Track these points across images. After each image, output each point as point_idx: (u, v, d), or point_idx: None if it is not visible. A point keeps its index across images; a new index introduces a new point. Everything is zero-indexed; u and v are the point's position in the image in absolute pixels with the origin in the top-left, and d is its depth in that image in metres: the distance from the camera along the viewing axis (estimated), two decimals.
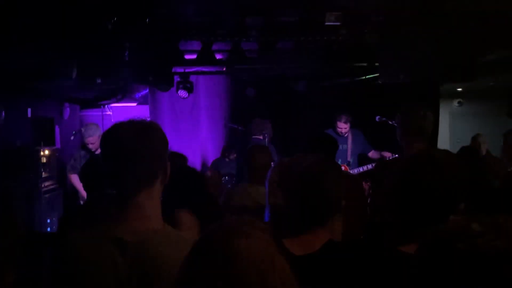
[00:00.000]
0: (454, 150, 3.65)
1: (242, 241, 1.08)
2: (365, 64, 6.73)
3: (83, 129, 5.54)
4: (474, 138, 6.14)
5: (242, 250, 1.07)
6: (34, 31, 4.44)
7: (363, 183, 4.16)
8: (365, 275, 1.67)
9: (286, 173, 2.49)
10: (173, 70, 6.21)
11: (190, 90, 6.74)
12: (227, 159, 7.28)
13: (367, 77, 6.96)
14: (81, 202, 5.37)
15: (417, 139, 2.90)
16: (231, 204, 3.49)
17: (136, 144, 1.45)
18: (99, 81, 5.00)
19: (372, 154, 6.19)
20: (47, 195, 5.63)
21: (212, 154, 7.88)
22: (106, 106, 7.19)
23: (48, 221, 5.59)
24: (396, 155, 5.60)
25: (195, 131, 7.94)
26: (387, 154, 5.78)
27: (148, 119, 7.75)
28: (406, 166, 1.75)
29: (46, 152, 5.77)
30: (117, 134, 1.49)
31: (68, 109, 6.72)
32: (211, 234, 1.13)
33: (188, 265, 1.12)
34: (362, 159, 6.22)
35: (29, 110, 5.81)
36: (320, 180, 1.89)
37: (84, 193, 5.11)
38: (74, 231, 1.60)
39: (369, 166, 5.84)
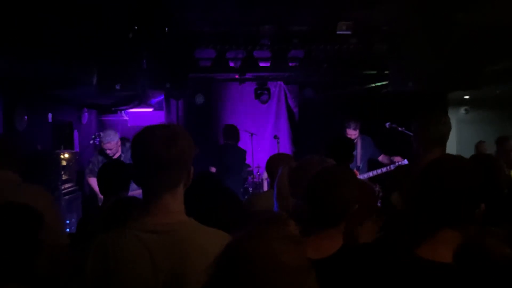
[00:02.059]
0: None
1: (277, 250, 1.09)
2: (374, 72, 6.87)
3: (102, 135, 5.72)
4: (478, 145, 6.25)
5: (278, 260, 1.08)
6: (55, 41, 4.63)
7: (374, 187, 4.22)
8: (384, 281, 1.69)
9: (298, 176, 2.60)
10: (189, 77, 6.40)
11: (204, 97, 6.93)
12: None
13: (376, 84, 7.09)
14: (100, 204, 5.55)
15: (436, 146, 2.87)
16: (253, 209, 3.54)
17: (165, 149, 1.54)
18: (118, 87, 5.19)
19: (382, 158, 6.26)
20: (66, 197, 5.83)
21: None
22: (123, 111, 7.40)
23: (68, 222, 5.78)
24: (405, 160, 5.73)
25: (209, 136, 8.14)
26: (397, 159, 5.86)
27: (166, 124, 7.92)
28: (431, 169, 1.76)
29: (66, 155, 5.97)
30: (147, 138, 1.57)
31: (86, 114, 6.92)
32: (244, 239, 1.13)
33: (219, 269, 1.13)
34: (372, 164, 6.32)
35: (49, 115, 6.02)
36: (332, 182, 1.96)
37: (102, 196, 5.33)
38: (98, 232, 1.68)
39: (379, 171, 5.92)
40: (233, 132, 6.37)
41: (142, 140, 1.59)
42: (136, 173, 1.63)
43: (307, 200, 2.01)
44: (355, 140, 6.26)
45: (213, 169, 5.90)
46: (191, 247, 1.53)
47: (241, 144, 7.04)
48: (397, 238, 2.39)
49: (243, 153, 6.46)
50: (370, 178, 5.89)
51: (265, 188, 7.05)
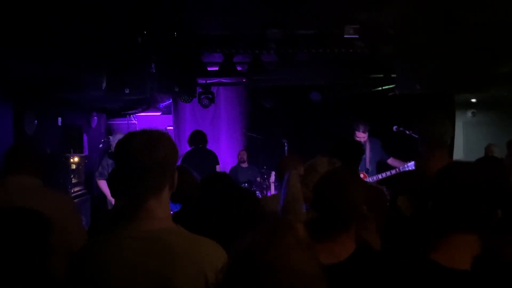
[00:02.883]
0: (468, 159, 3.71)
1: (293, 258, 1.08)
2: (381, 75, 6.88)
3: (111, 139, 5.77)
4: (488, 148, 6.23)
5: (294, 268, 1.08)
6: (65, 44, 4.69)
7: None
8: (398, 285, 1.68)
9: (310, 176, 2.61)
10: (197, 81, 6.45)
11: (211, 100, 6.97)
12: (243, 165, 7.49)
13: (383, 88, 7.10)
14: (109, 207, 5.60)
15: (438, 149, 2.89)
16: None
17: (146, 154, 1.53)
18: (127, 91, 5.24)
19: (392, 161, 6.25)
20: (76, 200, 5.87)
21: (231, 162, 8.09)
22: (131, 115, 7.46)
23: None
24: (412, 163, 5.72)
25: (215, 139, 8.18)
26: (410, 164, 5.83)
27: (171, 128, 8.04)
28: (444, 173, 1.76)
29: (75, 159, 6.03)
30: (129, 144, 1.57)
31: (95, 118, 6.99)
32: (257, 247, 1.12)
33: (231, 272, 1.12)
34: (381, 166, 6.31)
35: (59, 119, 6.08)
36: (340, 185, 1.96)
37: (111, 198, 5.37)
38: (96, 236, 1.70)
39: (388, 173, 5.92)
40: (201, 136, 6.47)
41: (124, 145, 1.60)
42: (120, 178, 1.65)
43: (316, 204, 2.01)
44: (364, 143, 6.26)
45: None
46: (176, 254, 1.52)
47: (248, 148, 7.09)
48: (409, 243, 2.39)
49: (213, 156, 6.54)
50: (379, 181, 5.89)
51: (273, 191, 7.07)
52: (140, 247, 1.52)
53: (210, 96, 6.99)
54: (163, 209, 1.60)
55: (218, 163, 6.81)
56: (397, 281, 1.66)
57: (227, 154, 8.31)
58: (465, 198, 1.65)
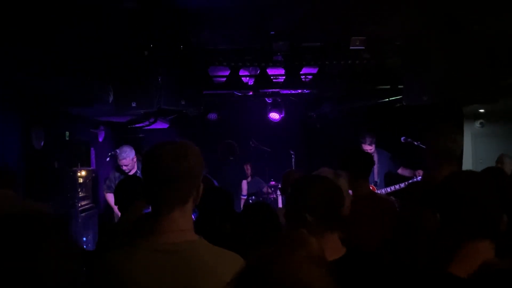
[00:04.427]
0: (477, 170, 3.67)
1: (306, 273, 1.07)
2: (388, 87, 6.86)
3: (118, 151, 5.78)
4: (499, 159, 6.16)
5: (301, 278, 1.06)
6: (73, 58, 4.73)
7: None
8: None
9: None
10: (203, 94, 6.46)
11: (218, 113, 6.98)
12: (249, 179, 7.48)
13: (390, 99, 7.07)
14: (116, 221, 5.58)
15: (446, 161, 2.87)
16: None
17: (175, 166, 1.55)
18: (134, 105, 5.26)
19: (402, 171, 6.21)
20: (83, 214, 5.87)
21: None
22: (139, 129, 7.48)
23: (84, 239, 5.81)
24: (418, 176, 5.67)
25: None
26: (419, 172, 5.79)
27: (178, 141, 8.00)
28: (449, 183, 1.76)
29: (83, 173, 6.04)
30: (158, 154, 1.58)
31: (103, 132, 7.01)
32: (271, 261, 1.11)
33: (241, 285, 1.11)
34: (389, 178, 6.27)
35: (67, 133, 6.10)
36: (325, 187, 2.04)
37: (118, 211, 5.36)
38: (111, 249, 1.66)
39: (397, 187, 5.88)
40: (232, 148, 6.46)
41: (152, 155, 1.60)
42: (146, 188, 1.63)
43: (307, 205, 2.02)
44: (372, 155, 6.23)
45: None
46: (200, 267, 1.51)
47: (255, 160, 7.06)
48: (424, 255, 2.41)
49: (241, 169, 6.52)
50: (388, 194, 5.84)
51: (280, 204, 7.03)
52: (166, 260, 1.51)
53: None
54: (186, 220, 1.60)
55: (245, 178, 6.81)
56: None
57: (237, 165, 8.28)
58: (469, 205, 1.65)
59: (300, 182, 2.12)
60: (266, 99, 7.78)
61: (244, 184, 6.97)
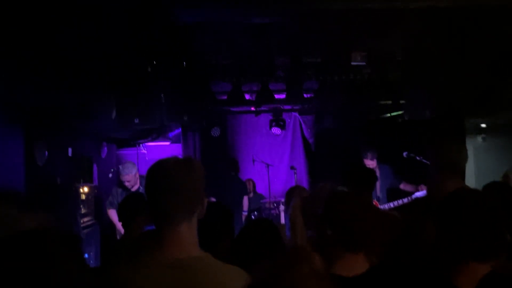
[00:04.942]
0: (480, 184, 3.65)
1: (303, 283, 1.10)
2: (390, 102, 6.88)
3: (120, 167, 5.78)
4: (505, 174, 6.13)
5: None
6: (76, 73, 4.76)
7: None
8: None
9: (311, 206, 2.60)
10: (206, 110, 6.49)
11: (220, 129, 7.00)
12: (251, 194, 7.46)
13: (392, 114, 7.10)
14: (118, 237, 5.56)
15: (451, 174, 2.83)
16: None
17: (179, 179, 1.58)
18: (137, 121, 5.27)
19: (404, 186, 6.18)
20: (85, 231, 5.84)
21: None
22: (141, 145, 7.49)
23: (86, 256, 5.78)
24: (424, 191, 5.65)
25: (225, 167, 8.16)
26: (422, 187, 5.76)
27: (181, 157, 8.02)
28: (451, 203, 1.74)
29: (85, 189, 6.03)
30: (162, 168, 1.62)
31: (105, 148, 7.01)
32: (272, 273, 1.16)
33: None
34: (392, 193, 6.25)
35: (69, 149, 6.10)
36: (357, 208, 2.00)
37: (120, 228, 5.34)
38: (116, 264, 1.69)
39: (399, 202, 5.84)
40: (233, 164, 6.46)
41: (157, 169, 1.63)
42: (151, 201, 1.64)
43: (331, 225, 2.01)
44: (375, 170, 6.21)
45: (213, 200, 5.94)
46: (206, 282, 1.52)
47: (257, 176, 7.06)
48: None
49: (243, 185, 6.51)
50: (391, 210, 5.81)
51: (282, 220, 7.01)
52: (172, 275, 1.51)
53: (219, 124, 7.02)
54: (192, 235, 1.61)
55: (247, 193, 6.81)
56: None
57: (238, 181, 8.27)
58: (474, 226, 1.61)
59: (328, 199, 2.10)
60: (268, 113, 7.81)
61: (245, 200, 6.96)
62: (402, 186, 6.17)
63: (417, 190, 5.87)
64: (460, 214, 1.66)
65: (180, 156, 1.72)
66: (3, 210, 2.55)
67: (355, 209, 1.99)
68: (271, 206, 7.29)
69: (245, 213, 6.89)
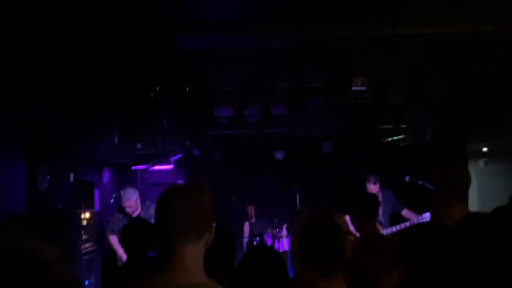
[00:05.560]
0: (482, 209, 3.63)
1: None
2: (391, 126, 6.90)
3: (121, 193, 5.76)
4: (510, 199, 6.09)
5: None
6: (79, 99, 4.78)
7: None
8: None
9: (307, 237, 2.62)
10: (207, 134, 6.51)
11: (222, 154, 7.00)
12: (251, 220, 7.42)
13: (393, 138, 7.11)
14: (119, 264, 5.51)
15: (455, 200, 2.80)
16: None
17: (186, 203, 1.60)
18: (139, 146, 5.28)
19: (406, 213, 6.15)
20: (86, 257, 5.80)
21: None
22: (143, 170, 7.48)
23: (87, 282, 5.72)
24: (427, 214, 5.61)
25: (227, 191, 8.14)
26: (425, 215, 5.72)
27: (183, 181, 8.02)
28: (464, 228, 1.74)
29: (87, 215, 6.00)
30: (171, 193, 1.65)
31: (107, 173, 7.01)
32: None
33: None
34: (394, 218, 6.21)
35: (71, 175, 6.10)
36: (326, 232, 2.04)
37: (121, 254, 5.29)
38: None
39: (402, 226, 5.81)
40: (233, 189, 6.46)
41: (167, 194, 1.65)
42: (157, 225, 1.65)
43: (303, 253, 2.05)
44: (376, 195, 6.19)
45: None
46: None
47: (259, 200, 7.01)
48: None
49: (243, 211, 6.49)
50: (393, 234, 5.77)
51: (285, 244, 6.95)
52: None
53: (220, 149, 7.03)
54: (198, 261, 1.61)
55: (247, 219, 6.78)
56: None
57: (239, 206, 8.24)
58: (488, 254, 1.60)
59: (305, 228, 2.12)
60: (270, 138, 7.82)
61: (246, 226, 6.92)
62: (404, 213, 6.14)
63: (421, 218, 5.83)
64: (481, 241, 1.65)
65: (182, 181, 1.74)
66: (12, 234, 2.54)
67: (326, 237, 2.02)
68: (273, 231, 7.23)
69: (246, 239, 6.84)
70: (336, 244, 2.01)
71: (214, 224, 1.73)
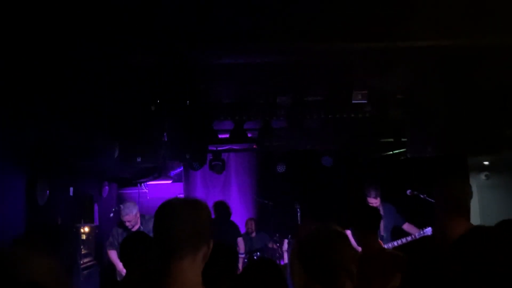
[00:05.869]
0: (484, 222, 3.61)
1: None
2: (391, 140, 6.89)
3: (121, 207, 5.73)
4: None
5: None
6: (79, 113, 4.78)
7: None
8: None
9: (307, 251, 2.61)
10: (208, 148, 6.49)
11: (222, 167, 6.98)
12: (251, 235, 7.36)
13: (394, 152, 7.09)
14: (118, 278, 5.45)
15: (457, 213, 2.81)
16: None
17: (185, 216, 1.62)
18: (139, 159, 5.26)
19: (407, 227, 6.11)
20: (85, 272, 5.74)
21: (242, 229, 7.96)
22: (142, 184, 7.47)
23: None
24: (429, 229, 5.57)
25: None
26: (427, 230, 5.68)
27: (182, 195, 8.01)
28: (466, 242, 1.72)
29: (86, 229, 5.96)
30: (170, 206, 1.67)
31: (106, 187, 6.98)
32: None
33: None
34: (396, 232, 6.17)
35: (71, 189, 6.08)
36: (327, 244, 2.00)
37: (121, 269, 5.24)
38: None
39: (403, 240, 5.76)
40: (225, 207, 6.42)
41: (165, 206, 1.67)
42: (156, 238, 1.67)
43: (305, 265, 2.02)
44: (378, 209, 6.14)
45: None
46: None
47: (259, 214, 6.97)
48: None
49: (236, 228, 6.45)
50: (395, 248, 5.72)
51: (286, 260, 6.89)
52: None
53: (221, 163, 7.02)
54: (196, 274, 1.62)
55: (240, 235, 6.74)
56: None
57: (238, 221, 8.19)
58: (493, 269, 1.57)
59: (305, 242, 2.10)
60: (271, 151, 7.81)
61: (240, 242, 6.86)
62: (406, 228, 6.10)
63: (423, 232, 5.79)
64: (477, 253, 1.63)
65: (178, 195, 1.74)
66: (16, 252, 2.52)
67: (325, 246, 1.99)
68: (274, 246, 7.17)
69: (241, 255, 6.77)
70: (340, 255, 1.97)
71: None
